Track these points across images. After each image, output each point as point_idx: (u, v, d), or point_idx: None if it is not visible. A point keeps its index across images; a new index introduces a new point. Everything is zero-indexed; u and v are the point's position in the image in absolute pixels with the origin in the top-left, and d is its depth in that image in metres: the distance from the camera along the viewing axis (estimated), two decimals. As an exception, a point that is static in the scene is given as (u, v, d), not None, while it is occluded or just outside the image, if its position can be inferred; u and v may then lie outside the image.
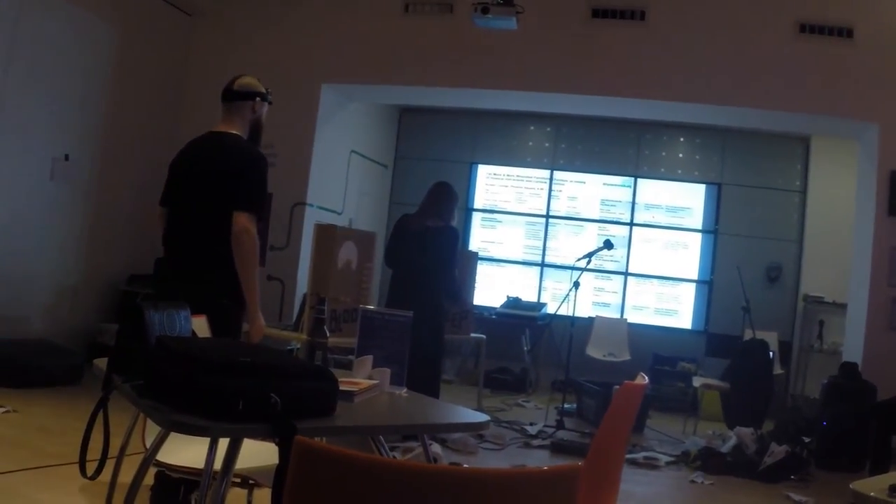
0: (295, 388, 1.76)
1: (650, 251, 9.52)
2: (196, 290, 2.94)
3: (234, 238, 3.05)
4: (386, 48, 7.51)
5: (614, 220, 9.64)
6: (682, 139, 9.56)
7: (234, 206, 3.07)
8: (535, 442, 5.90)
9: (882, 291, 6.41)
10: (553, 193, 9.82)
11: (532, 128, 9.93)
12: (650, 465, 5.46)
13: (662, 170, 9.58)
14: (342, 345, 4.30)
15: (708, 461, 5.46)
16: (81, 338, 6.85)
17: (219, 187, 3.12)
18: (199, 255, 3.15)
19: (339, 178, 8.41)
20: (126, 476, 2.23)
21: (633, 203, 9.61)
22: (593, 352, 8.45)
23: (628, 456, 5.38)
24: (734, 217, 9.27)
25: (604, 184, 9.72)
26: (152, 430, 2.42)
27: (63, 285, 6.78)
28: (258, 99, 3.33)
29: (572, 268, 7.00)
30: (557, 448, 5.72)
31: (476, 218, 10.00)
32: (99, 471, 2.06)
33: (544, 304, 9.13)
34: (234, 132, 3.27)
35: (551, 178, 9.82)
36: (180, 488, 2.50)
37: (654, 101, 7.14)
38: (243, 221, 3.06)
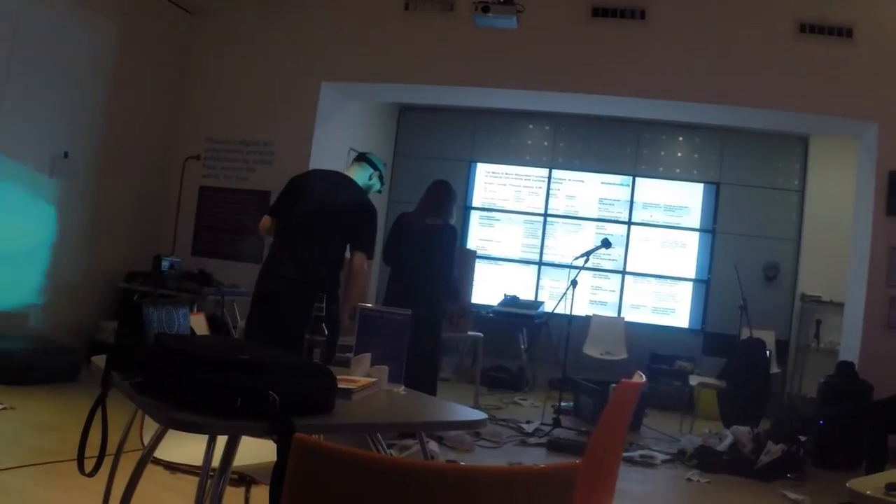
0: (293, 386, 1.76)
1: (648, 250, 9.53)
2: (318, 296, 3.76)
3: (353, 270, 3.98)
4: (386, 46, 7.50)
5: (612, 218, 9.65)
6: (680, 138, 9.56)
7: (356, 247, 3.98)
8: (532, 440, 5.91)
9: (879, 291, 6.42)
10: (551, 192, 9.82)
11: (531, 126, 9.92)
12: (647, 463, 5.47)
13: (661, 169, 9.58)
14: (340, 342, 4.30)
15: (704, 459, 5.47)
16: (80, 335, 6.85)
17: (348, 226, 4.00)
18: (326, 271, 3.95)
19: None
20: (124, 473, 2.23)
21: (632, 202, 9.61)
22: (590, 350, 8.46)
23: (625, 454, 5.39)
24: (732, 216, 9.27)
25: (602, 182, 9.73)
26: (150, 428, 2.42)
27: (61, 282, 6.77)
28: (379, 173, 4.32)
29: (570, 266, 6.99)
30: (554, 446, 5.73)
31: (474, 216, 10.01)
32: (97, 468, 2.06)
33: (542, 303, 9.13)
34: (358, 182, 4.21)
35: (550, 177, 9.83)
36: None
37: (653, 100, 7.13)
38: (362, 261, 3.98)
